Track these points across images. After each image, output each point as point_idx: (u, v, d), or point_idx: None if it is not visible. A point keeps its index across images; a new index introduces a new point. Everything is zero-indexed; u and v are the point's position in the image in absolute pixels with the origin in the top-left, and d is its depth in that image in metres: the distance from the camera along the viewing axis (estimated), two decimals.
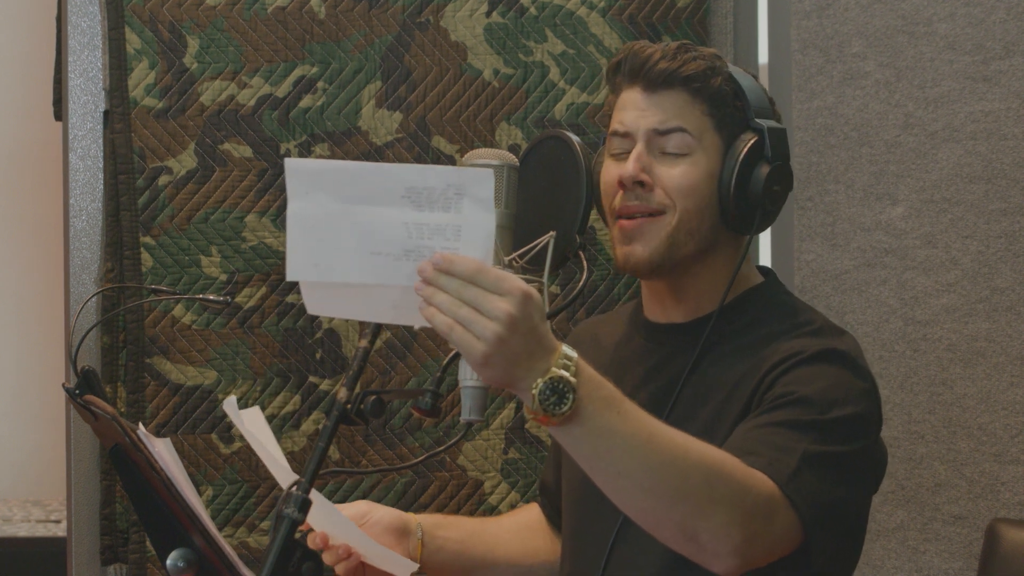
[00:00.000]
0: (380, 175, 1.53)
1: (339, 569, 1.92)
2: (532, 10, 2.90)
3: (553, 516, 2.17)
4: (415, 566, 1.85)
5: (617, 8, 2.92)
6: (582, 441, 1.59)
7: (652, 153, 1.90)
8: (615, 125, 1.94)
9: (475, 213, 1.52)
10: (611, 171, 1.93)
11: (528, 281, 1.74)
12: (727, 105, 1.91)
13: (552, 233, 1.79)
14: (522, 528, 2.18)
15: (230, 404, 1.78)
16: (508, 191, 1.73)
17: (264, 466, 2.80)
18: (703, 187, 1.90)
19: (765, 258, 2.99)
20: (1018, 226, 2.74)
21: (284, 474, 1.81)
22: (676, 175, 1.89)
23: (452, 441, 1.87)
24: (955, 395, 2.78)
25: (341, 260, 1.54)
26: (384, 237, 1.53)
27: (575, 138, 1.91)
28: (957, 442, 2.78)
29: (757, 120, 1.92)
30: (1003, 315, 2.75)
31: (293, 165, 1.54)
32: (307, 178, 1.54)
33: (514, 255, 1.74)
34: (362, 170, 1.54)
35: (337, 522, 1.87)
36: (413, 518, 2.04)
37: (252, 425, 1.84)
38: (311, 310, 1.59)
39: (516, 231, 1.75)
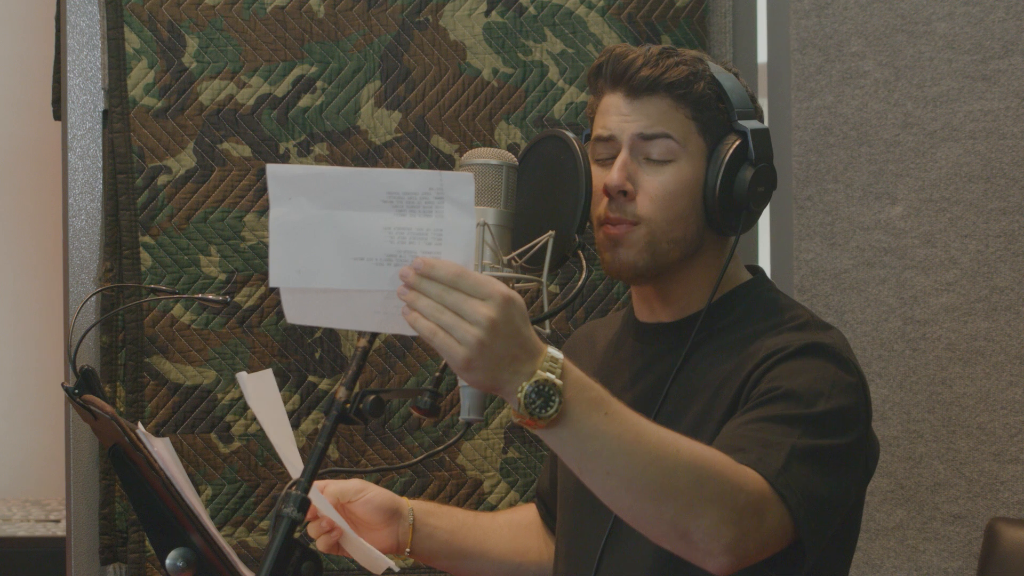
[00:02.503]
0: (361, 180, 1.53)
1: (320, 543, 1.93)
2: (531, 9, 2.90)
3: (547, 519, 2.17)
4: (389, 563, 1.86)
5: (616, 7, 2.92)
6: (570, 443, 1.59)
7: (636, 160, 1.91)
8: (599, 130, 1.94)
9: (456, 217, 1.52)
10: (597, 177, 1.93)
11: (527, 280, 1.74)
12: (710, 108, 1.91)
13: (551, 232, 1.79)
14: (515, 526, 2.18)
15: (242, 378, 1.78)
16: (507, 190, 1.73)
17: (263, 466, 2.80)
18: (687, 194, 1.90)
19: (764, 257, 2.99)
20: (1017, 225, 2.75)
21: (292, 464, 1.80)
22: (659, 184, 1.90)
23: (451, 440, 1.87)
24: (954, 394, 2.78)
25: (324, 266, 1.54)
26: (366, 242, 1.53)
27: (574, 137, 1.91)
28: (956, 441, 2.78)
29: (740, 122, 1.92)
30: (1002, 314, 2.75)
31: (274, 171, 1.54)
32: (289, 184, 1.54)
33: (513, 254, 1.74)
34: (343, 175, 1.54)
35: (321, 504, 1.87)
36: (406, 502, 2.04)
37: (264, 400, 1.82)
38: (291, 319, 1.58)
39: (515, 230, 1.75)
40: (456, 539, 2.09)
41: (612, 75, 1.92)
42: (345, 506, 1.98)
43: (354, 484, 2.00)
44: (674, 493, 1.61)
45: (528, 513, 2.20)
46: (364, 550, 1.89)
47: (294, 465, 1.81)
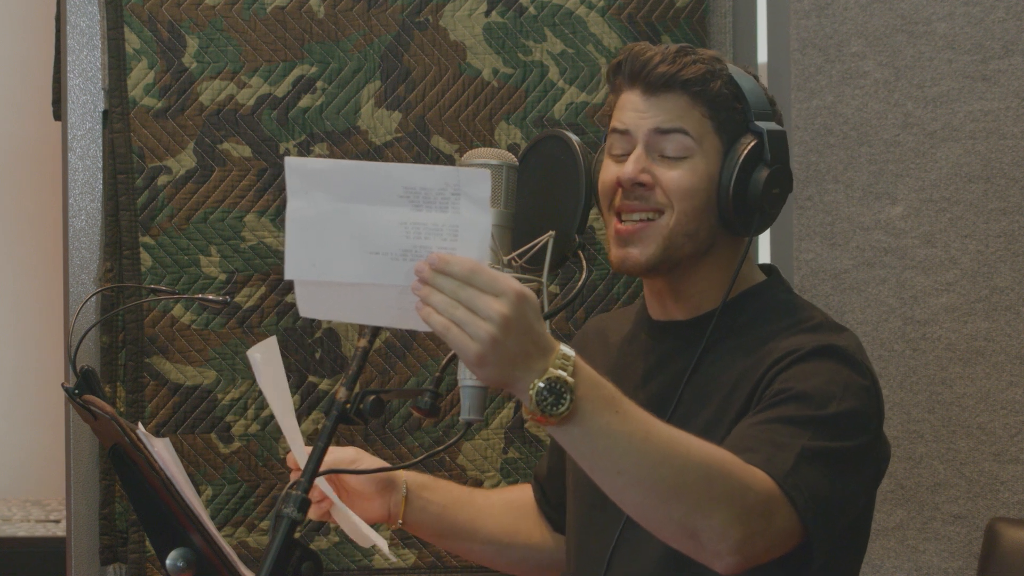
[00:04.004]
0: (378, 174, 1.54)
1: (310, 512, 1.93)
2: (531, 9, 2.90)
3: (542, 501, 2.18)
4: (376, 540, 1.86)
5: (616, 7, 2.92)
6: (580, 441, 1.59)
7: (651, 156, 1.91)
8: (615, 123, 1.95)
9: (472, 213, 1.52)
10: (610, 171, 1.93)
11: (527, 281, 1.74)
12: (727, 108, 1.91)
13: (551, 233, 1.79)
14: (509, 506, 2.18)
15: (251, 354, 1.76)
16: (507, 191, 1.73)
17: (263, 466, 2.80)
18: (702, 190, 1.91)
19: (764, 257, 2.99)
20: (1017, 225, 2.75)
21: (292, 437, 1.80)
22: (675, 176, 1.90)
23: (452, 441, 1.87)
24: (954, 394, 2.78)
25: (339, 259, 1.54)
26: (382, 237, 1.53)
27: (574, 137, 1.91)
28: (956, 441, 2.78)
29: (757, 123, 1.92)
30: (1002, 314, 2.75)
31: (293, 164, 1.54)
32: (307, 177, 1.54)
33: (513, 254, 1.74)
34: (361, 169, 1.55)
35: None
36: (402, 473, 2.04)
37: (270, 372, 1.80)
38: (303, 312, 1.59)
39: (515, 230, 1.75)
40: (448, 514, 2.09)
41: (630, 72, 1.93)
42: (339, 475, 1.98)
43: (348, 453, 2.01)
44: (683, 492, 1.62)
45: (523, 494, 2.21)
46: (353, 523, 1.89)
47: (294, 439, 1.81)
